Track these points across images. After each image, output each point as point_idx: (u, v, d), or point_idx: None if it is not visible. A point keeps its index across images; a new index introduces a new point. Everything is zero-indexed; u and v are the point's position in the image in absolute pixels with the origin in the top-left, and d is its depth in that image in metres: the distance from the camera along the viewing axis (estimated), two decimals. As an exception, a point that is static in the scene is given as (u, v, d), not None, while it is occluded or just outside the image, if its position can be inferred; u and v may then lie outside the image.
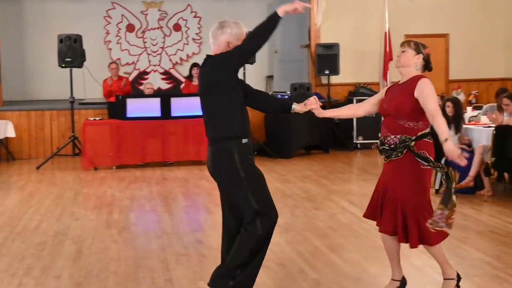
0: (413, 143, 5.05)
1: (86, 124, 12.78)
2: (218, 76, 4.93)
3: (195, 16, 17.94)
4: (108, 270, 6.28)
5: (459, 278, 5.35)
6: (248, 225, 4.98)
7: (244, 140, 4.99)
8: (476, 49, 16.02)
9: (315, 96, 5.52)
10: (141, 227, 8.15)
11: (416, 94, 5.06)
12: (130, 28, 17.77)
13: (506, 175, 10.18)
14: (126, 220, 8.44)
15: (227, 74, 4.92)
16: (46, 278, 6.07)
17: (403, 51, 5.25)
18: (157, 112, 12.76)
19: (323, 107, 14.91)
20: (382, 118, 5.37)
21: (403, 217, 5.13)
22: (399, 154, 5.10)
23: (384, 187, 5.26)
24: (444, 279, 5.36)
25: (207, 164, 5.16)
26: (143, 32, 17.83)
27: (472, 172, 9.20)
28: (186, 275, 6.07)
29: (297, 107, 5.33)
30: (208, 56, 5.06)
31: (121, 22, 17.67)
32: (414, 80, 5.14)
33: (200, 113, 13.49)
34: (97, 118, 13.39)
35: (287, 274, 6.04)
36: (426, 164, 5.07)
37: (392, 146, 5.13)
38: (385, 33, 15.45)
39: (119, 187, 10.75)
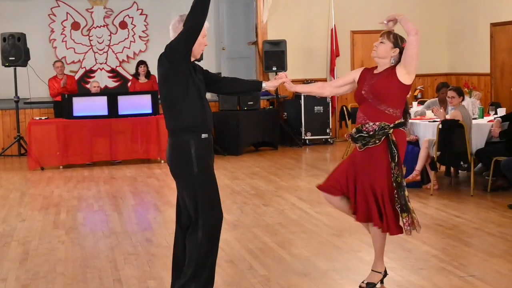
0: (391, 130, 5.16)
1: (32, 124, 12.59)
2: (170, 63, 4.88)
3: (141, 14, 17.80)
4: (56, 271, 6.20)
5: (385, 274, 5.52)
6: (192, 225, 4.97)
7: (204, 135, 4.93)
8: (420, 44, 16.06)
9: (284, 72, 5.57)
10: (89, 227, 8.06)
11: (399, 76, 5.23)
12: (75, 26, 17.53)
13: (452, 169, 10.36)
14: (73, 220, 8.34)
15: (178, 60, 4.86)
16: (-8, 281, 5.98)
17: (381, 42, 5.36)
18: (104, 111, 12.64)
19: (271, 103, 15.06)
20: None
21: (377, 203, 5.23)
22: (377, 142, 5.19)
23: (355, 173, 5.33)
24: (372, 270, 5.50)
25: (166, 156, 5.12)
26: (89, 30, 17.62)
27: (418, 166, 9.32)
28: (135, 274, 6.03)
29: (268, 84, 5.36)
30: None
31: (66, 20, 17.43)
32: (393, 68, 5.30)
33: (148, 111, 13.41)
34: (43, 118, 13.21)
35: (236, 271, 6.05)
36: (391, 160, 5.16)
37: (371, 133, 5.20)
38: (331, 29, 15.55)
39: (67, 187, 10.63)
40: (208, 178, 4.95)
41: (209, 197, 4.94)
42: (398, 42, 5.38)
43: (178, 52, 4.85)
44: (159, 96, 5.11)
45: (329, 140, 14.90)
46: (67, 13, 17.45)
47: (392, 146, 5.15)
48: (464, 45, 15.76)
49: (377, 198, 5.24)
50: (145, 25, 17.82)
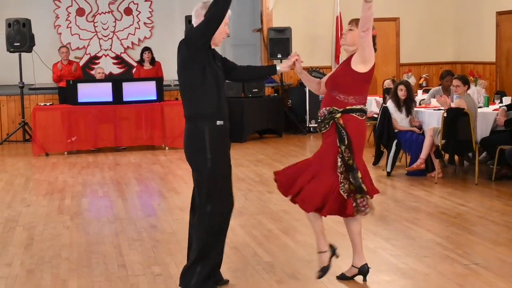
0: (339, 115, 5.08)
1: (37, 110, 12.60)
2: (188, 50, 4.93)
3: (146, 0, 17.76)
4: (61, 256, 6.22)
5: (333, 249, 5.34)
6: (199, 210, 5.01)
7: (219, 122, 4.96)
8: (426, 33, 16.18)
9: (296, 52, 5.52)
10: (93, 212, 8.08)
11: (352, 63, 5.14)
12: (80, 12, 17.50)
13: (456, 157, 10.36)
14: (78, 206, 8.35)
15: (196, 47, 4.89)
16: (-3, 265, 6.01)
17: (350, 29, 5.26)
18: (108, 97, 12.64)
19: (276, 91, 15.04)
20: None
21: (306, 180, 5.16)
22: (327, 126, 5.13)
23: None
24: (317, 252, 5.35)
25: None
26: (94, 16, 17.59)
27: (423, 154, 9.31)
28: (140, 260, 6.05)
29: (282, 66, 5.43)
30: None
31: (70, 6, 17.39)
32: (353, 54, 5.21)
33: (153, 98, 13.38)
34: (48, 104, 13.22)
35: (241, 257, 6.06)
36: (340, 143, 5.07)
37: (322, 117, 5.18)
38: (337, 17, 15.50)
39: (71, 172, 10.64)
40: (220, 165, 4.97)
41: (219, 184, 4.98)
42: None
43: (197, 40, 4.89)
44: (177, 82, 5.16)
45: (333, 128, 14.87)
46: (72, -1, 17.42)
47: (341, 129, 5.07)
48: (470, 34, 15.72)
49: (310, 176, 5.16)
50: (150, 12, 17.77)
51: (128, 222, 7.42)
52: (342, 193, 5.09)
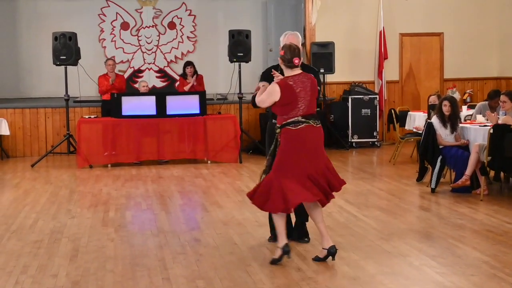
0: (278, 130, 6.36)
1: (81, 122, 12.74)
2: None
3: (189, 14, 17.88)
4: (105, 268, 6.26)
5: (286, 250, 6.25)
6: None
7: None
8: (470, 48, 16.03)
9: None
10: (137, 225, 8.12)
11: None
12: (125, 26, 17.69)
13: (502, 174, 10.21)
14: (122, 219, 8.41)
15: None
16: (43, 276, 6.05)
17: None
18: (152, 110, 12.73)
19: (318, 105, 14.97)
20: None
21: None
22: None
23: None
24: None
25: None
26: (138, 30, 17.76)
27: (468, 171, 9.21)
28: (184, 273, 6.06)
29: None
30: None
31: (115, 20, 17.60)
32: None
33: (196, 112, 13.39)
34: (92, 116, 13.36)
35: (284, 273, 6.04)
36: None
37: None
38: (380, 31, 15.46)
39: (115, 185, 10.73)
40: None
41: None
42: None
43: None
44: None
45: (376, 143, 14.81)
46: (116, 13, 17.62)
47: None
48: (515, 49, 15.54)
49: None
50: (193, 26, 17.90)
51: (172, 236, 7.44)
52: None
